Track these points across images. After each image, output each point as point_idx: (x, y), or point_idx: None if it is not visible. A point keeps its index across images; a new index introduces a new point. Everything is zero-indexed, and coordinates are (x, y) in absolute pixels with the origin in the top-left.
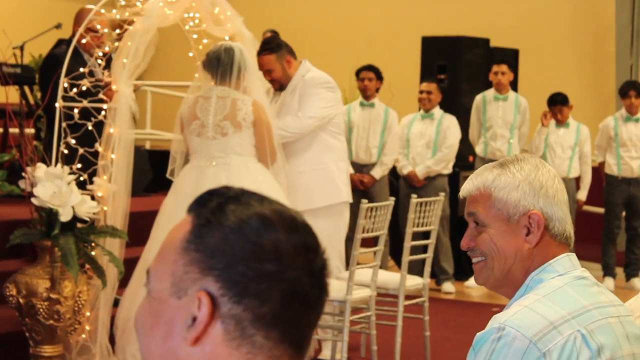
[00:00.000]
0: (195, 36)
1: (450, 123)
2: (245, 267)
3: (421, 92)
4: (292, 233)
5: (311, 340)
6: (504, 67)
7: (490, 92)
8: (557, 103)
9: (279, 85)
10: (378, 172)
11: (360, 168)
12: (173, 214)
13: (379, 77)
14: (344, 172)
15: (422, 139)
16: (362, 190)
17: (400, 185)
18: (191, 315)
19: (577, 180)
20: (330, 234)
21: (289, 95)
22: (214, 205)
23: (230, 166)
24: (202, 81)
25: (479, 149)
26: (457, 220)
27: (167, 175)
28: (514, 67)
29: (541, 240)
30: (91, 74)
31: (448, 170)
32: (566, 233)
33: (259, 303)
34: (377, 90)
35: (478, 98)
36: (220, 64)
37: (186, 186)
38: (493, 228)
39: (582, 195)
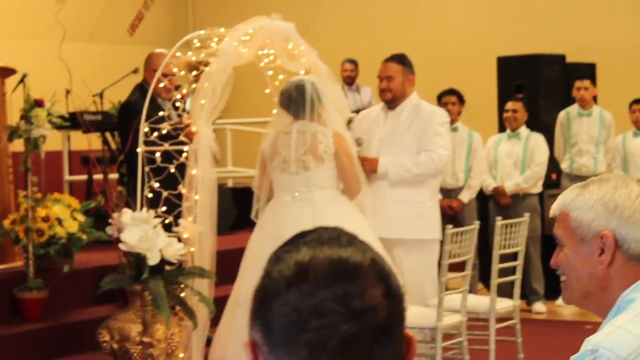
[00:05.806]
0: (270, 72)
1: (538, 141)
2: (271, 316)
3: (506, 110)
4: (312, 287)
5: None
6: (586, 83)
7: (574, 108)
8: None
9: (391, 97)
10: (466, 196)
11: (447, 193)
12: (259, 251)
13: (461, 100)
14: (436, 209)
15: (509, 159)
16: (451, 215)
17: (490, 207)
18: None
19: None
20: (423, 265)
21: (404, 120)
22: (280, 251)
23: (314, 200)
24: (280, 116)
25: (564, 166)
26: (545, 239)
27: (252, 217)
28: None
29: (614, 261)
30: (169, 117)
31: (537, 189)
32: None
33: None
34: (458, 113)
35: (562, 114)
36: (292, 102)
37: (271, 222)
38: (568, 247)
39: None
